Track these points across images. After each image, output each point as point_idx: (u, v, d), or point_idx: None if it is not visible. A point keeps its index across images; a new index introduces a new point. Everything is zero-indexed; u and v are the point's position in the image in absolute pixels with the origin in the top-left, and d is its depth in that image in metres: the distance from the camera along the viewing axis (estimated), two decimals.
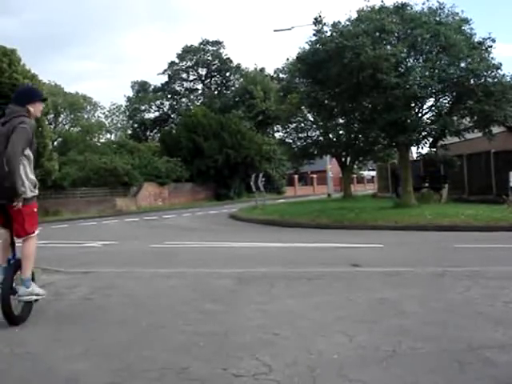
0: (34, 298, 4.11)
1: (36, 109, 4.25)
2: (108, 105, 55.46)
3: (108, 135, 51.87)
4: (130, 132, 52.23)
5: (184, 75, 52.63)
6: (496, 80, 14.29)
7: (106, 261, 8.38)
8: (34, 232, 4.10)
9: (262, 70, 51.98)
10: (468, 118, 15.83)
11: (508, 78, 14.42)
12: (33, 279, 4.14)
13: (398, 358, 3.01)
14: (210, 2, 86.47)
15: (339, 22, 15.81)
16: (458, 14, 15.19)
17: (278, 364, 2.96)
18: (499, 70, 14.41)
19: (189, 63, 51.69)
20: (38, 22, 76.37)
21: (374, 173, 38.90)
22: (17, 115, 4.03)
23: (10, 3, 69.32)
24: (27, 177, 3.99)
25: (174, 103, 52.90)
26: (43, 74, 65.96)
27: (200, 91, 53.60)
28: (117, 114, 52.92)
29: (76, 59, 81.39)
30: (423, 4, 15.49)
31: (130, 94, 52.88)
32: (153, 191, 32.62)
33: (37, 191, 4.12)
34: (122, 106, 52.89)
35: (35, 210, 4.13)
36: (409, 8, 15.36)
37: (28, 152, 4.03)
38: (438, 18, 14.81)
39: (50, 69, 77.72)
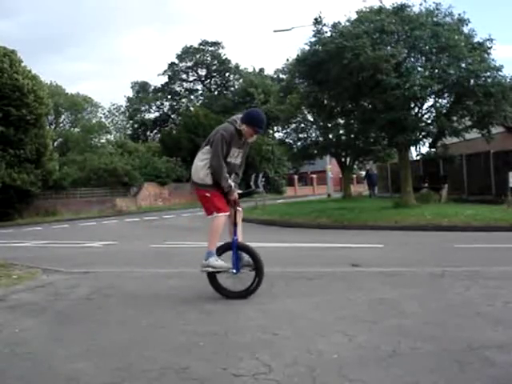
0: (210, 269, 4.55)
1: (248, 132, 4.64)
2: (107, 105, 55.43)
3: (108, 135, 51.94)
4: (130, 132, 52.26)
5: (184, 76, 52.72)
6: (496, 81, 14.30)
7: (106, 261, 8.39)
8: (211, 214, 4.60)
9: (262, 70, 52.04)
10: (467, 119, 15.83)
11: (508, 79, 14.42)
12: (220, 253, 4.65)
13: (398, 358, 3.01)
14: (209, 2, 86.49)
15: (339, 22, 15.85)
16: (456, 14, 15.21)
17: (278, 364, 2.96)
18: (499, 72, 14.43)
19: (188, 64, 51.76)
20: (35, 23, 76.55)
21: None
22: (230, 120, 4.67)
23: (7, 5, 69.31)
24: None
25: (174, 104, 52.96)
26: (41, 75, 65.89)
27: (200, 92, 53.65)
28: (117, 114, 52.98)
29: (74, 60, 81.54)
30: (420, 5, 15.53)
31: (130, 94, 52.96)
32: (153, 191, 32.63)
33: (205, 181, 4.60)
34: (121, 106, 52.98)
35: (207, 195, 4.59)
36: (408, 9, 15.37)
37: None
38: (435, 19, 14.82)
39: (47, 70, 77.91)
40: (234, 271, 4.62)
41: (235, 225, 4.69)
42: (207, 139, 4.65)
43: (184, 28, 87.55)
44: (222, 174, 4.49)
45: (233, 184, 4.62)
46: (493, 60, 14.66)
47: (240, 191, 4.83)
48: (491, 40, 14.86)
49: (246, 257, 4.65)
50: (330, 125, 20.66)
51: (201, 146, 4.87)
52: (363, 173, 51.36)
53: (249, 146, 4.92)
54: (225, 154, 4.56)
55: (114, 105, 52.83)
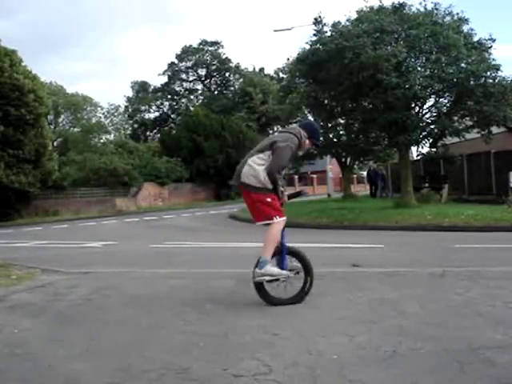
0: (268, 278, 4.34)
1: (307, 145, 4.71)
2: (106, 105, 55.39)
3: (108, 135, 51.96)
4: (129, 132, 52.24)
5: (183, 76, 52.75)
6: (496, 81, 14.28)
7: (105, 261, 8.38)
8: (269, 219, 4.43)
9: (262, 70, 52.06)
10: (468, 119, 15.82)
11: (508, 80, 14.40)
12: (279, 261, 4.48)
13: (398, 358, 3.00)
14: (209, 2, 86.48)
15: (339, 22, 15.83)
16: (456, 13, 15.18)
17: (278, 364, 2.96)
18: (499, 71, 14.41)
19: (188, 64, 51.77)
20: (35, 23, 76.50)
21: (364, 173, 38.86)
22: (294, 133, 4.54)
23: (7, 5, 69.28)
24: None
25: (174, 103, 52.98)
26: (41, 74, 65.88)
27: (200, 91, 53.66)
28: (115, 114, 52.98)
29: (74, 60, 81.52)
30: (420, 4, 15.51)
31: (130, 94, 52.95)
32: (153, 191, 32.63)
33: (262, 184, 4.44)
34: (120, 106, 52.98)
35: (268, 200, 4.43)
36: (407, 8, 15.36)
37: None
38: (434, 19, 14.80)
39: (47, 70, 77.90)
40: (289, 277, 4.45)
41: (283, 229, 4.57)
42: (268, 144, 4.48)
43: (184, 28, 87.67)
44: (279, 181, 4.45)
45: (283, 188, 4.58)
46: (493, 60, 14.65)
47: (287, 193, 4.77)
48: (492, 39, 14.85)
49: (289, 260, 4.56)
50: (330, 125, 20.63)
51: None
52: (363, 173, 51.51)
53: None
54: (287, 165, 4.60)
55: (112, 105, 52.91)
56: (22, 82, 23.26)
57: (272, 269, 4.36)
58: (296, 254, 4.57)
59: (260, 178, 4.36)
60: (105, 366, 3.07)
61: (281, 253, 4.48)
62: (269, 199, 4.39)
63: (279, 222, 4.40)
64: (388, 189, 26.69)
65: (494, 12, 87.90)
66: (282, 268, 4.44)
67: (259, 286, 4.42)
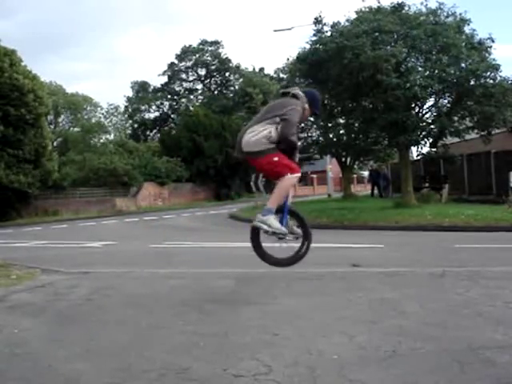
0: (265, 227, 4.26)
1: (307, 112, 4.61)
2: (105, 105, 55.38)
3: (108, 135, 51.96)
4: (129, 132, 52.22)
5: (183, 75, 52.70)
6: (496, 81, 14.28)
7: (105, 261, 8.38)
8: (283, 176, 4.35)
9: (262, 70, 52.03)
10: (469, 119, 15.81)
11: (509, 81, 14.39)
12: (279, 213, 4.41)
13: (398, 358, 3.00)
14: (209, 2, 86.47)
15: (339, 22, 15.85)
16: (458, 13, 15.17)
17: (278, 364, 2.95)
18: (499, 71, 14.41)
19: (188, 63, 51.74)
20: (35, 23, 76.49)
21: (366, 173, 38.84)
22: (295, 94, 4.47)
23: (7, 5, 69.26)
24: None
25: (174, 103, 52.94)
26: (41, 74, 65.78)
27: (200, 91, 53.64)
28: (115, 114, 52.97)
29: (73, 60, 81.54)
30: (421, 4, 15.52)
31: (130, 94, 52.92)
32: (153, 191, 32.62)
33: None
34: (119, 106, 52.98)
35: (275, 159, 4.33)
36: (406, 8, 15.35)
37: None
38: (436, 19, 14.79)
39: (47, 70, 77.91)
40: (288, 237, 4.40)
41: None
42: (270, 116, 4.37)
43: (183, 28, 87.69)
44: (296, 140, 4.41)
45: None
46: (493, 60, 14.64)
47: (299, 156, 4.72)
48: (491, 39, 14.84)
49: (290, 223, 4.51)
50: (330, 124, 20.63)
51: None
52: (364, 173, 51.52)
53: None
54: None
55: (111, 105, 52.90)
56: (22, 81, 23.25)
57: (274, 221, 4.31)
58: (296, 215, 4.55)
59: (261, 140, 4.30)
60: (105, 366, 3.07)
61: (282, 210, 4.45)
62: (276, 158, 4.32)
63: (293, 177, 4.35)
64: (388, 189, 26.66)
65: (494, 12, 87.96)
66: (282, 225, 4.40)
67: (255, 231, 4.42)
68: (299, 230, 4.52)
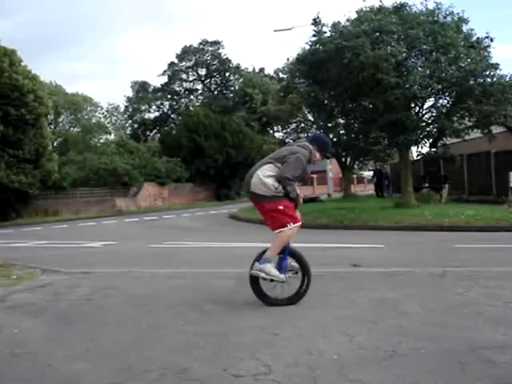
0: (263, 275, 4.36)
1: (317, 157, 4.85)
2: (105, 105, 55.38)
3: (108, 135, 51.95)
4: (129, 132, 52.22)
5: (184, 76, 52.65)
6: (495, 80, 14.27)
7: (105, 261, 8.38)
8: (283, 226, 4.42)
9: (262, 70, 52.03)
10: (468, 119, 15.81)
11: (507, 78, 14.39)
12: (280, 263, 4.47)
13: (398, 358, 3.00)
14: (209, 2, 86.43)
15: (339, 22, 15.84)
16: (456, 13, 15.16)
17: (278, 364, 2.96)
18: (498, 70, 14.40)
19: (188, 64, 51.71)
20: (35, 23, 76.37)
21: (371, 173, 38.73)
22: (303, 146, 4.71)
23: (7, 5, 69.22)
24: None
25: (174, 103, 52.92)
26: (41, 74, 65.73)
27: (200, 91, 53.62)
28: (115, 114, 52.95)
29: (73, 60, 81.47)
30: (421, 4, 15.52)
31: (130, 94, 52.91)
32: (153, 191, 32.60)
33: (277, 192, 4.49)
34: (119, 106, 52.96)
35: (280, 207, 4.44)
36: (408, 8, 15.35)
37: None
38: (435, 18, 14.79)
39: (47, 70, 77.80)
40: (284, 282, 4.45)
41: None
42: (279, 157, 4.59)
43: (184, 28, 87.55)
44: (294, 189, 4.51)
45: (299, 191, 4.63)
46: (492, 58, 14.65)
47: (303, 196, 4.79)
48: (490, 38, 14.84)
49: (289, 260, 4.57)
50: (330, 125, 20.61)
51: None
52: (363, 173, 51.50)
53: None
54: (301, 176, 4.69)
55: (111, 105, 52.85)
56: (22, 82, 23.23)
57: (271, 269, 4.37)
58: (294, 254, 4.57)
59: (269, 186, 4.43)
60: (105, 366, 3.07)
61: (283, 252, 4.49)
62: (281, 207, 4.43)
63: (293, 228, 4.43)
64: (389, 188, 26.66)
65: (494, 12, 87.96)
66: (281, 267, 4.44)
67: (254, 280, 4.47)
68: (297, 265, 4.54)
